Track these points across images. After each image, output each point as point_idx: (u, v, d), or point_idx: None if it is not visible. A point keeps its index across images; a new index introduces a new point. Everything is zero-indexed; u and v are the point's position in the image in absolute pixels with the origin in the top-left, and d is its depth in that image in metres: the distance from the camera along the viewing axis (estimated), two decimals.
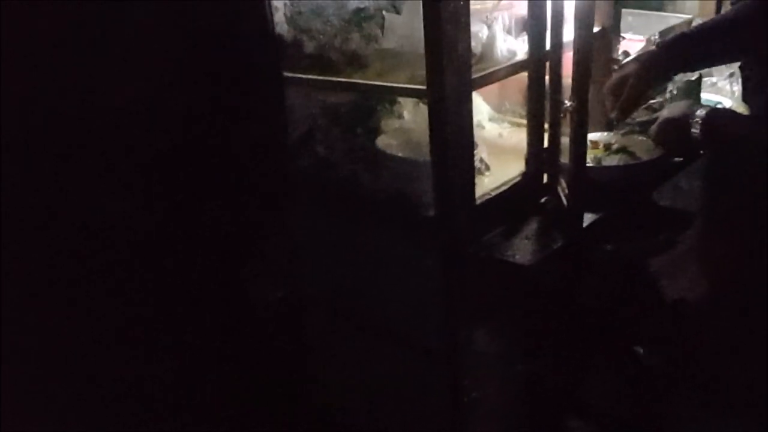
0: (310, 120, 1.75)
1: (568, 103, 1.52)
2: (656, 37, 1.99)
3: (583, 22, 1.45)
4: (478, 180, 1.61)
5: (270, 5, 1.63)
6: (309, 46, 1.64)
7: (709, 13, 2.14)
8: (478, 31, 1.49)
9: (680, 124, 1.74)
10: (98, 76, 1.65)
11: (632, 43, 2.00)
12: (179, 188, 1.84)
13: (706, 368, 2.43)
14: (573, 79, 1.49)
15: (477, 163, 1.60)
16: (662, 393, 2.19)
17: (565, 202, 1.61)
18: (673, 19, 2.20)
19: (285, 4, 1.64)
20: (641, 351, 2.24)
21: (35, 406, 1.63)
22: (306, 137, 1.77)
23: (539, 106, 1.63)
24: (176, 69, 1.73)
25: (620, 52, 1.88)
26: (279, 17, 1.64)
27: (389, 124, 1.80)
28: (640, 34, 2.09)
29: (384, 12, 1.53)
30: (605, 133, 1.87)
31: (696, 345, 2.33)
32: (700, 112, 1.71)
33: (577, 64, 1.48)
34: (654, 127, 1.80)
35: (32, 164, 1.58)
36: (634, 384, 2.14)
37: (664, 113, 1.79)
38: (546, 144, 1.67)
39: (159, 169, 1.80)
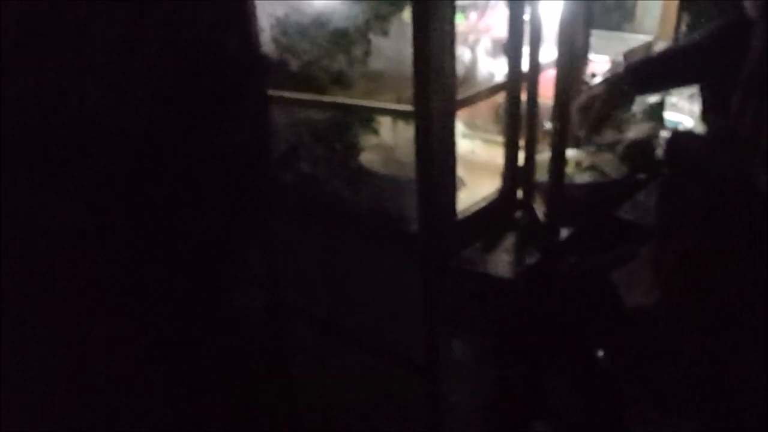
0: (294, 136, 1.78)
1: (548, 124, 1.59)
2: (620, 58, 2.08)
3: (565, 44, 1.52)
4: None
5: (256, 25, 1.66)
6: (295, 66, 1.68)
7: (668, 34, 2.24)
8: (461, 54, 1.55)
9: (646, 145, 1.82)
10: (85, 96, 1.67)
11: (597, 64, 2.08)
12: (162, 200, 1.86)
13: (657, 371, 2.54)
14: (555, 100, 1.56)
15: None
16: (620, 395, 2.28)
17: (541, 217, 1.68)
18: (633, 40, 2.29)
19: (271, 25, 1.66)
20: (601, 356, 2.33)
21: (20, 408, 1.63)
22: (290, 153, 1.80)
23: (516, 125, 1.70)
24: (161, 86, 1.76)
25: (589, 72, 1.96)
26: (265, 37, 1.67)
27: (370, 141, 1.84)
28: (602, 53, 2.17)
29: (371, 35, 1.57)
30: (574, 151, 1.95)
31: (649, 350, 2.44)
32: (664, 134, 1.80)
33: (558, 85, 1.55)
34: (620, 147, 1.88)
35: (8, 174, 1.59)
36: (594, 388, 2.23)
37: (631, 135, 1.88)
38: (521, 161, 1.74)
39: (143, 181, 1.81)
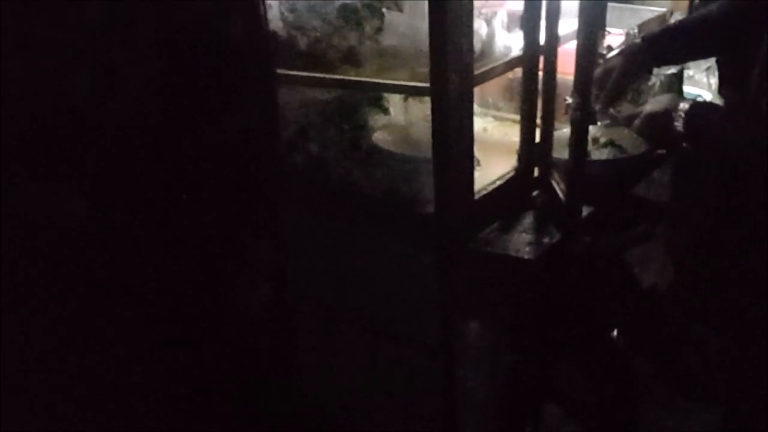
0: (303, 117, 1.73)
1: (569, 99, 1.54)
2: (635, 30, 2.03)
3: (588, 17, 1.47)
4: None
5: (264, 2, 1.60)
6: (304, 44, 1.62)
7: (682, 6, 2.20)
8: (478, 28, 1.50)
9: (663, 117, 1.78)
10: (86, 73, 1.61)
11: (612, 37, 2.03)
12: (165, 187, 1.80)
13: (671, 352, 2.53)
14: (575, 75, 1.52)
15: None
16: (633, 376, 2.27)
17: (560, 196, 1.63)
18: (647, 12, 2.25)
19: (279, 2, 1.61)
20: (616, 336, 2.31)
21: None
22: (299, 134, 1.75)
23: (532, 101, 1.65)
24: (166, 65, 1.69)
25: (604, 45, 1.91)
26: (273, 14, 1.61)
27: (380, 120, 1.79)
28: (615, 27, 2.12)
29: (385, 10, 1.52)
30: (591, 127, 1.90)
31: (663, 330, 2.42)
32: (683, 106, 1.75)
33: (580, 59, 1.51)
34: (638, 121, 1.84)
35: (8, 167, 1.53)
36: (608, 369, 2.21)
37: (648, 107, 1.83)
38: (538, 139, 1.70)
39: (145, 168, 1.76)
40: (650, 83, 1.92)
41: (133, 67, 1.69)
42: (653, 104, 1.84)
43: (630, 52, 1.81)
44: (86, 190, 1.71)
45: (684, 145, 1.84)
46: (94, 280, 1.70)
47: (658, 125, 1.80)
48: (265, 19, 1.62)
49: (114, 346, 1.76)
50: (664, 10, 2.26)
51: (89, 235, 1.71)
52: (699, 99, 2.02)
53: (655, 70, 1.91)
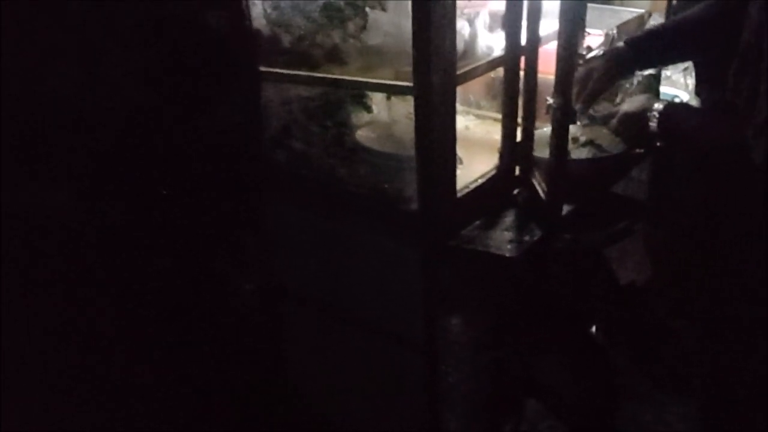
0: (287, 114, 1.74)
1: (550, 99, 1.57)
2: (614, 31, 2.06)
3: (568, 18, 1.49)
4: None
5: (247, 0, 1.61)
6: (288, 41, 1.63)
7: (660, 7, 2.22)
8: (461, 28, 1.51)
9: (639, 117, 1.81)
10: (70, 67, 1.61)
11: (592, 38, 2.05)
12: (150, 183, 1.80)
13: (650, 346, 2.57)
14: (556, 75, 1.54)
15: None
16: (613, 371, 2.30)
17: (542, 194, 1.65)
18: (626, 13, 2.27)
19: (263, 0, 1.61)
20: (595, 331, 2.35)
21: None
22: (283, 131, 1.76)
23: (514, 100, 1.67)
24: (148, 61, 1.69)
25: (584, 46, 1.93)
26: (257, 11, 1.62)
27: (363, 118, 1.81)
28: (595, 28, 2.14)
29: (368, 8, 1.53)
30: (570, 126, 1.93)
31: (641, 325, 2.46)
32: (657, 106, 1.78)
33: (561, 60, 1.53)
34: (614, 121, 1.86)
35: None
36: (588, 363, 2.23)
37: (624, 107, 1.86)
38: (519, 137, 1.72)
39: (129, 165, 1.76)
40: (628, 84, 1.95)
41: (117, 63, 1.69)
42: (629, 104, 1.86)
43: (612, 54, 1.83)
44: (71, 185, 1.71)
45: (658, 144, 1.87)
46: (78, 275, 1.70)
47: (633, 125, 1.83)
48: (249, 16, 1.63)
49: (99, 341, 1.76)
50: (642, 11, 2.28)
51: (75, 229, 1.71)
52: (676, 99, 2.05)
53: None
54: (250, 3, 1.61)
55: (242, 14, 1.63)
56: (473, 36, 1.57)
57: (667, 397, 2.52)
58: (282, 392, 2.08)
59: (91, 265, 1.72)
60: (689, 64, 2.09)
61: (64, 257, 1.69)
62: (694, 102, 2.06)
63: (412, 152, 1.53)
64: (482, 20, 1.61)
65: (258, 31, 1.64)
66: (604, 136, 1.89)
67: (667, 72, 2.13)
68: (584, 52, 1.92)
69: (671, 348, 2.57)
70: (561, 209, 1.67)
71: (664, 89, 2.10)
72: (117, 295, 1.76)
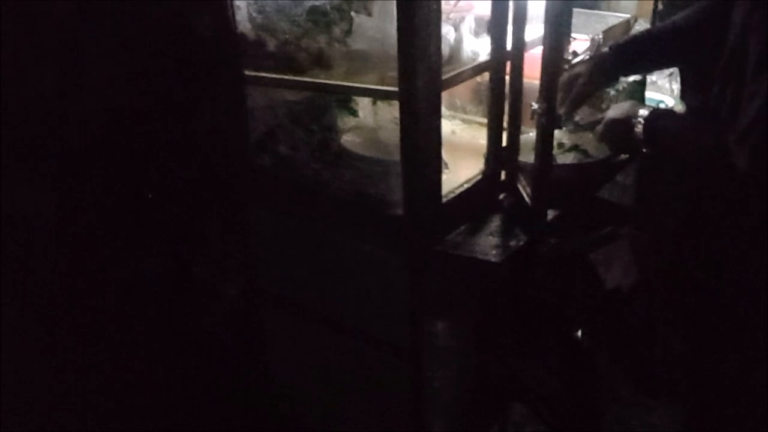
0: (272, 118, 1.73)
1: (535, 104, 1.57)
2: (600, 36, 2.06)
3: (554, 23, 1.49)
4: None
5: (232, 3, 1.60)
6: (273, 45, 1.62)
7: (646, 12, 2.23)
8: (446, 33, 1.51)
9: (624, 123, 1.80)
10: (54, 69, 1.60)
11: (577, 43, 2.05)
12: (134, 186, 1.79)
13: (635, 351, 2.57)
14: (541, 80, 1.54)
15: None
16: (597, 375, 2.30)
17: (527, 199, 1.65)
18: (612, 18, 2.27)
19: (248, 3, 1.60)
20: (581, 336, 2.35)
21: None
22: (268, 135, 1.75)
23: (500, 105, 1.67)
24: (133, 65, 1.68)
25: (570, 51, 1.93)
26: (242, 15, 1.61)
27: (349, 122, 1.80)
28: (581, 32, 2.14)
29: (353, 13, 1.52)
30: (556, 131, 1.93)
31: (627, 330, 2.46)
32: (642, 113, 1.77)
33: (547, 65, 1.53)
34: (600, 127, 1.86)
35: None
36: (573, 368, 2.24)
37: (610, 113, 1.86)
38: (505, 142, 1.72)
39: (112, 169, 1.75)
40: (613, 90, 1.95)
41: (101, 66, 1.68)
42: (615, 110, 1.86)
43: (597, 60, 1.83)
44: (52, 188, 1.69)
45: (644, 150, 1.87)
46: (58, 278, 1.69)
47: (619, 131, 1.82)
48: (234, 19, 1.62)
49: (77, 345, 1.75)
50: (628, 16, 2.28)
51: (56, 232, 1.69)
52: (661, 105, 2.06)
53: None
54: (235, 7, 1.61)
55: (227, 18, 1.62)
56: (458, 41, 1.57)
57: (653, 401, 2.53)
58: (265, 398, 2.07)
59: (72, 269, 1.70)
60: (674, 69, 2.10)
61: (44, 260, 1.67)
62: (680, 107, 2.07)
63: (397, 157, 1.53)
64: (468, 25, 1.61)
65: (243, 35, 1.63)
66: (589, 141, 1.89)
67: (652, 77, 2.14)
68: (570, 57, 1.92)
69: (657, 352, 2.58)
70: (546, 214, 1.67)
71: (650, 94, 2.11)
72: (98, 299, 1.75)
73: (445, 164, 1.78)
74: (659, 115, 1.84)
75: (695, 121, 1.86)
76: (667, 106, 2.06)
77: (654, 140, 1.79)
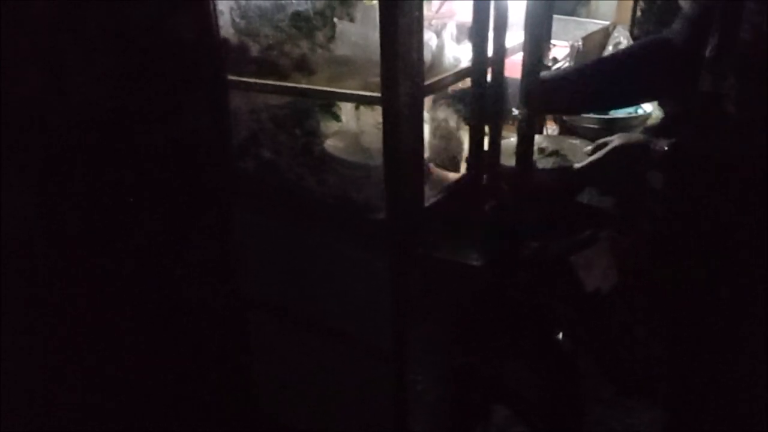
0: (255, 123, 1.74)
1: (516, 111, 1.59)
2: (579, 43, 2.09)
3: (534, 30, 1.52)
4: None
5: (214, 7, 1.61)
6: (256, 50, 1.63)
7: (626, 19, 2.26)
8: (428, 39, 1.53)
9: (634, 150, 1.66)
10: (34, 71, 1.59)
11: (557, 49, 2.08)
12: (115, 190, 1.79)
13: (616, 352, 2.60)
14: (522, 86, 1.56)
15: None
16: (579, 377, 2.33)
17: (508, 203, 1.67)
18: (591, 25, 2.31)
19: (230, 8, 1.61)
20: (562, 338, 2.37)
21: None
22: (250, 140, 1.76)
23: (481, 110, 1.69)
24: (114, 68, 1.68)
25: (550, 57, 1.96)
26: (225, 20, 1.62)
27: (332, 127, 1.81)
28: (561, 39, 2.16)
29: (336, 19, 1.53)
30: (537, 136, 1.95)
31: (607, 332, 2.49)
32: (662, 144, 1.61)
33: (527, 71, 1.55)
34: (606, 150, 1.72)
35: None
36: (554, 370, 2.26)
37: (617, 140, 1.72)
38: (486, 147, 1.73)
39: (93, 173, 1.74)
40: None
41: (82, 69, 1.68)
42: (622, 138, 1.73)
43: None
44: (32, 191, 1.69)
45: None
46: (37, 282, 1.68)
47: (626, 159, 1.69)
48: (216, 24, 1.63)
49: (57, 350, 1.74)
50: (607, 23, 2.32)
51: (35, 236, 1.69)
52: (639, 111, 2.08)
53: None
54: (218, 12, 1.61)
55: (210, 22, 1.63)
56: (440, 47, 1.58)
57: (634, 403, 2.56)
58: (249, 400, 2.07)
59: (51, 273, 1.70)
60: None
61: (23, 264, 1.67)
62: (658, 113, 2.10)
63: (380, 162, 1.55)
64: (449, 32, 1.62)
65: (226, 40, 1.64)
66: (569, 146, 1.92)
67: None
68: (550, 64, 1.95)
69: (637, 354, 2.61)
70: (527, 218, 1.69)
71: None
72: (78, 303, 1.74)
73: (427, 168, 1.80)
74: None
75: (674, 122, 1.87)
76: (645, 112, 2.08)
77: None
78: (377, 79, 1.46)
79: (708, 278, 1.78)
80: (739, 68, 1.42)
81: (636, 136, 1.78)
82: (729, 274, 1.69)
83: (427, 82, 1.51)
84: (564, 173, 1.83)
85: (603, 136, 1.81)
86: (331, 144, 1.72)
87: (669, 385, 2.15)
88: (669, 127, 2.08)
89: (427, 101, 1.68)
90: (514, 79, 1.68)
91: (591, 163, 1.69)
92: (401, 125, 1.47)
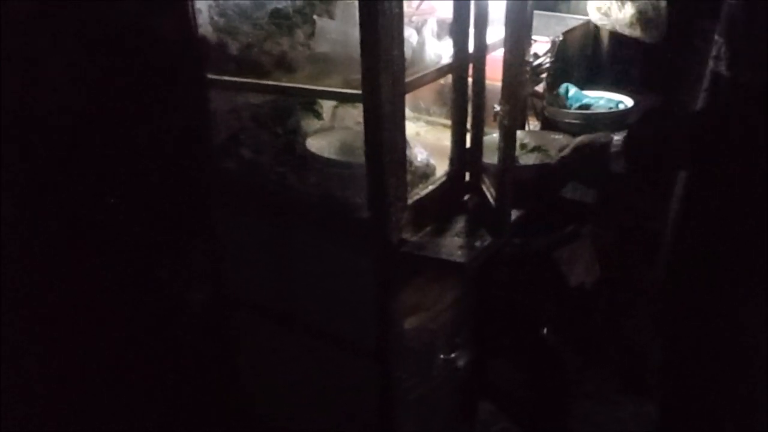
0: (236, 122, 1.72)
1: (497, 107, 1.58)
2: (560, 38, 2.09)
3: (515, 26, 1.51)
4: None
5: (193, 6, 1.59)
6: (235, 48, 1.61)
7: None
8: (409, 36, 1.52)
9: (595, 147, 1.66)
10: (12, 70, 1.57)
11: (538, 45, 2.08)
12: (96, 191, 1.77)
13: (600, 346, 2.61)
14: (503, 83, 1.55)
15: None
16: (564, 371, 2.34)
17: (491, 199, 1.67)
18: (572, 20, 2.31)
19: (209, 6, 1.59)
20: (547, 332, 2.38)
21: None
22: (231, 139, 1.74)
23: (463, 107, 1.69)
24: (94, 67, 1.67)
25: (531, 53, 1.96)
26: (203, 18, 1.60)
27: (314, 125, 1.80)
28: (542, 35, 2.16)
29: (316, 16, 1.52)
30: (519, 132, 1.95)
31: (591, 325, 2.50)
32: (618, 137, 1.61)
33: (508, 67, 1.54)
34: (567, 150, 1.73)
35: None
36: (539, 364, 2.27)
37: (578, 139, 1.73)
38: (468, 144, 1.73)
39: (74, 173, 1.73)
40: None
41: (61, 68, 1.66)
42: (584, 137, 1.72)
43: None
44: (11, 192, 1.67)
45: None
46: (18, 283, 1.66)
47: (589, 155, 1.67)
48: (195, 22, 1.61)
49: (40, 352, 1.72)
50: (588, 18, 2.32)
51: (15, 237, 1.67)
52: (621, 105, 2.09)
53: None
54: (197, 10, 1.60)
55: (189, 21, 1.61)
56: (421, 44, 1.58)
57: (619, 397, 2.57)
58: (235, 401, 2.06)
59: (33, 274, 1.68)
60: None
61: (6, 265, 1.65)
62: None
63: (362, 159, 1.53)
64: (430, 28, 1.62)
65: (205, 38, 1.62)
66: (551, 141, 1.92)
67: None
68: (531, 59, 1.95)
69: (621, 347, 2.62)
70: (510, 214, 1.69)
71: (609, 95, 2.14)
72: (61, 305, 1.73)
73: (410, 164, 1.80)
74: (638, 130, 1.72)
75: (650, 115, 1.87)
76: (626, 106, 2.09)
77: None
78: (358, 77, 1.44)
79: (692, 270, 1.79)
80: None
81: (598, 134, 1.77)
82: (721, 267, 1.68)
83: (408, 79, 1.50)
84: (546, 168, 1.83)
85: (585, 131, 1.82)
86: (312, 142, 1.71)
87: (655, 378, 2.16)
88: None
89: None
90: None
91: (561, 159, 1.71)
92: (383, 122, 1.45)
